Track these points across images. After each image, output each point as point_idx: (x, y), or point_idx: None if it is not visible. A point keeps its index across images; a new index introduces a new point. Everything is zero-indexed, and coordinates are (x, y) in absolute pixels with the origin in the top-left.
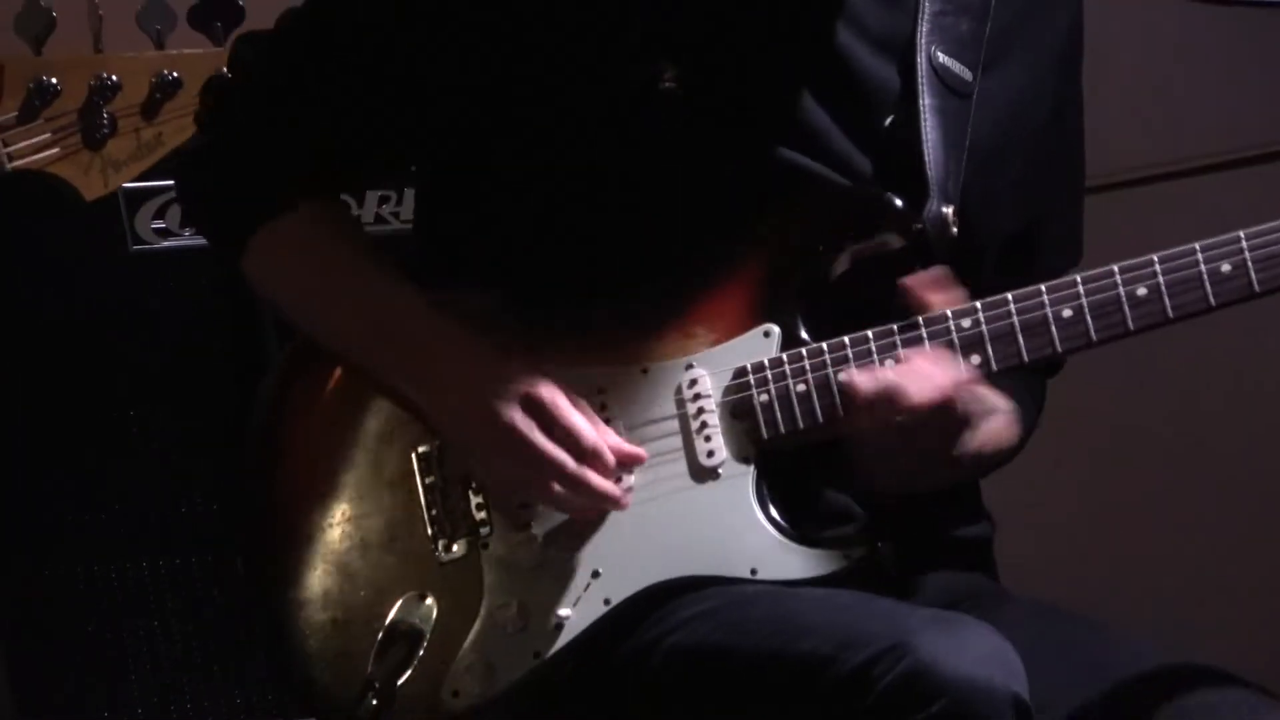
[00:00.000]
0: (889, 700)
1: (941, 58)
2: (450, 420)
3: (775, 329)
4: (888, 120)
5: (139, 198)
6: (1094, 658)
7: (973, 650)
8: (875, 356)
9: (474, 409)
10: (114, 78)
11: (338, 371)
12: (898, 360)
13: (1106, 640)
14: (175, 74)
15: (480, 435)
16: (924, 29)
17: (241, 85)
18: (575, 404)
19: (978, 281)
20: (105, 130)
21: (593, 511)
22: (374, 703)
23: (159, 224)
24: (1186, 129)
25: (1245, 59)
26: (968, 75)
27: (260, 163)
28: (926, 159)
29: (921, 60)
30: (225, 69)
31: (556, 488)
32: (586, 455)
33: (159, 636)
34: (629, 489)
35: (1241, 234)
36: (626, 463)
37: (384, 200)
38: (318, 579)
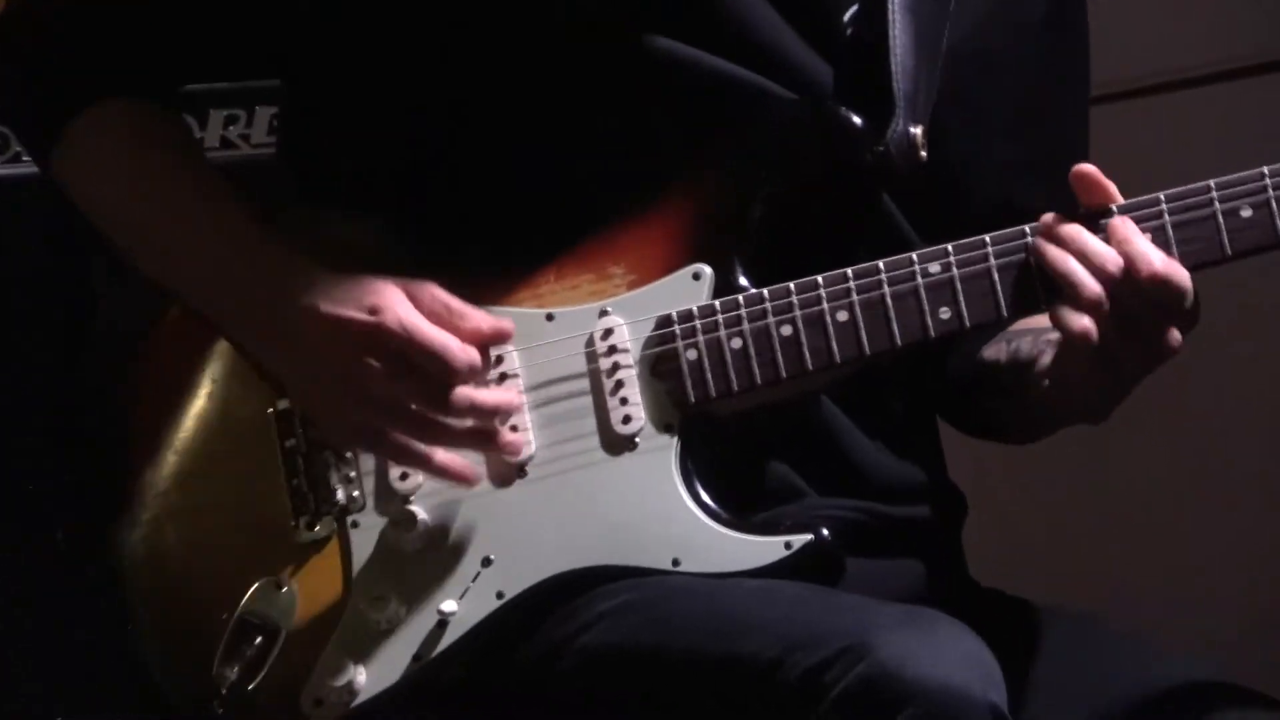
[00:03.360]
0: (844, 709)
1: None
2: (278, 359)
3: (707, 270)
4: (848, 15)
5: None
6: (1085, 664)
7: (943, 652)
8: (826, 308)
9: (307, 343)
10: None
11: (179, 309)
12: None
13: (1100, 642)
14: None
15: (316, 382)
16: None
17: None
18: (423, 302)
19: (962, 215)
20: None
21: (473, 473)
22: (219, 710)
23: None
24: (1197, 33)
25: None
26: None
27: (74, 42)
28: (893, 68)
29: None
30: None
31: (424, 439)
32: (460, 375)
33: None
34: (525, 441)
35: (1265, 170)
36: (492, 341)
37: (231, 121)
38: (155, 561)
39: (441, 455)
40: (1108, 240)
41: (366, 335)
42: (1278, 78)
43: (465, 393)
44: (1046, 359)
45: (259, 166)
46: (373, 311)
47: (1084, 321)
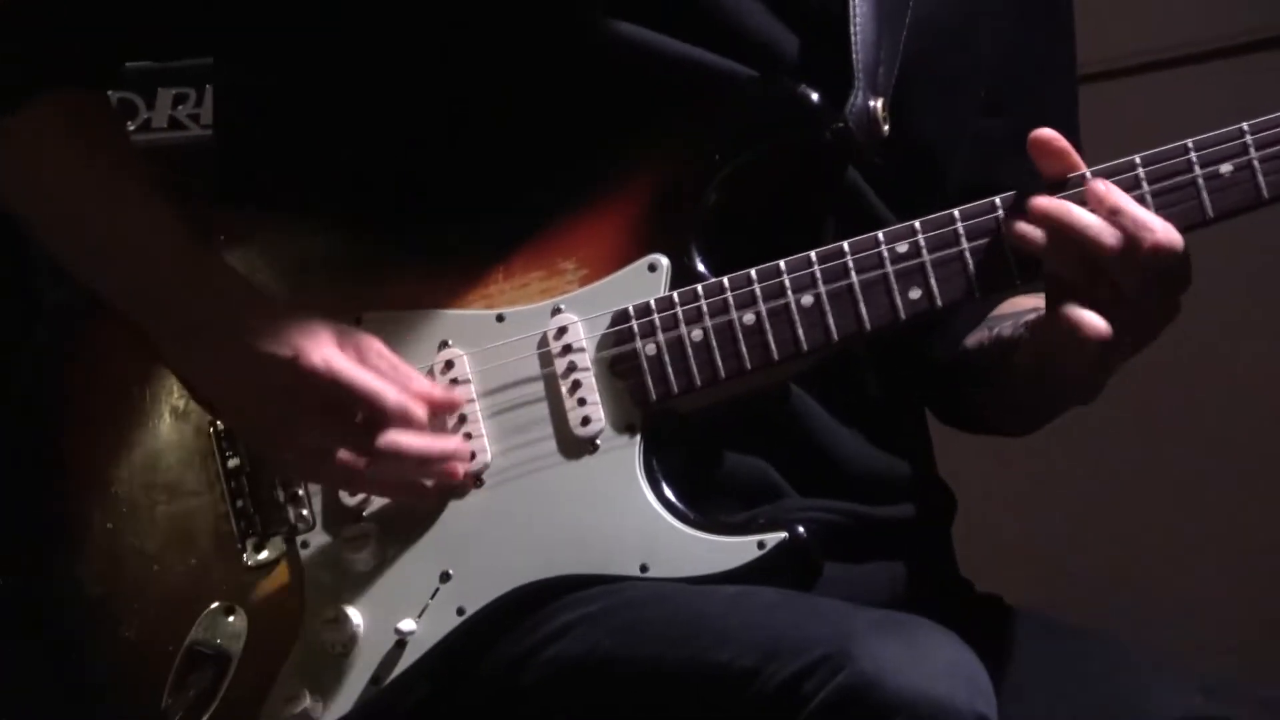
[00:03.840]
0: None
1: None
2: (202, 385)
3: (663, 261)
4: None
5: None
6: (1087, 680)
7: (928, 660)
8: (790, 295)
9: (230, 375)
10: None
11: (112, 323)
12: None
13: (1105, 659)
14: None
15: (246, 413)
16: None
17: None
18: (367, 357)
19: (940, 195)
20: None
21: (423, 491)
22: None
23: None
24: (1190, 10)
25: None
26: None
27: (11, 30)
28: (853, 39)
29: None
30: None
31: (362, 468)
32: (391, 418)
33: None
34: (468, 453)
35: (1245, 126)
36: (442, 411)
37: (180, 100)
38: (97, 591)
39: (387, 482)
40: (1095, 212)
41: (290, 375)
42: (1269, 55)
43: (391, 439)
44: (1030, 342)
45: (209, 149)
46: (297, 352)
47: (1100, 323)
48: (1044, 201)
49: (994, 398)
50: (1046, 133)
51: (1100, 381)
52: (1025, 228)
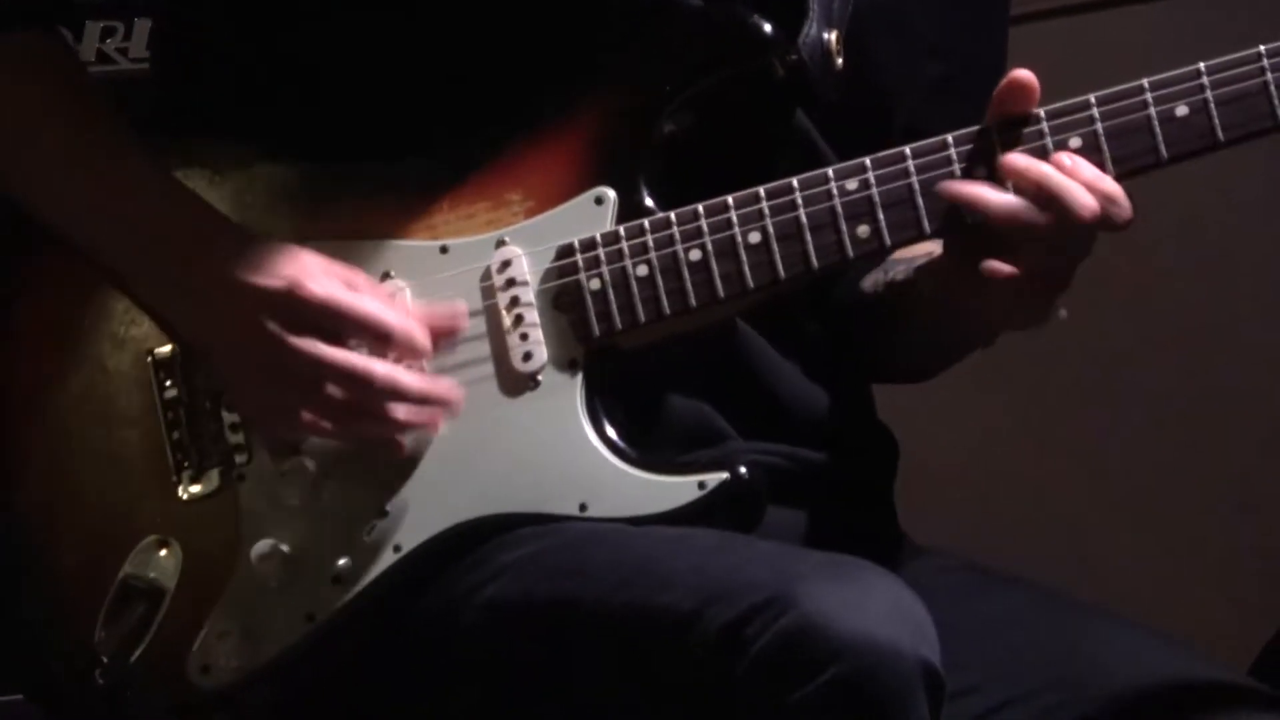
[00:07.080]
0: (765, 666)
1: None
2: (185, 324)
3: (610, 194)
4: None
5: None
6: (1027, 627)
7: (873, 605)
8: (737, 231)
9: (217, 311)
10: None
11: (51, 249)
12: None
13: (1040, 605)
14: None
15: (232, 350)
16: None
17: None
18: (357, 285)
19: (884, 138)
20: None
21: (399, 439)
22: (102, 681)
23: None
24: None
25: None
26: None
27: None
28: None
29: None
30: None
31: (353, 417)
32: (397, 343)
33: None
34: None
35: (1202, 67)
36: (445, 330)
37: (108, 34)
38: (25, 524)
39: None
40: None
41: (282, 305)
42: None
43: (388, 374)
44: (924, 284)
45: (138, 82)
46: (290, 281)
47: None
48: (1017, 161)
49: (884, 340)
50: (1028, 75)
51: (1001, 329)
52: (973, 185)
